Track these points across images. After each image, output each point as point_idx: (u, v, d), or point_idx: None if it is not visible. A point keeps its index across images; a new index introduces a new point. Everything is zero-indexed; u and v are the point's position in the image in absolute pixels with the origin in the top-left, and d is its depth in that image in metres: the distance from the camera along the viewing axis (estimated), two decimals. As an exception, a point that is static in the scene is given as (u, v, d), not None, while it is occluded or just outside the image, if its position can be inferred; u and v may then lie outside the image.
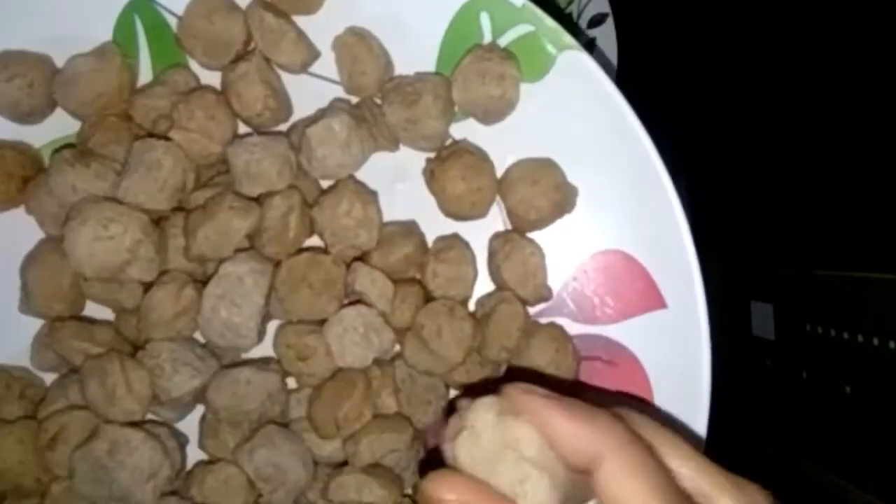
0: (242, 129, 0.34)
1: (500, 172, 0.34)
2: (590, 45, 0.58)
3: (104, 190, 0.31)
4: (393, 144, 0.34)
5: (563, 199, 0.33)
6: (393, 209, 0.34)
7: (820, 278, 0.52)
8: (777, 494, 0.25)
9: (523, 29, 0.33)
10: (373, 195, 0.33)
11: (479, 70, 0.32)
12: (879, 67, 0.49)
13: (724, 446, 0.31)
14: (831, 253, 0.52)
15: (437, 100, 0.32)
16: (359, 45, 0.33)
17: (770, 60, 0.59)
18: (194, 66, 0.34)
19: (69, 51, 0.33)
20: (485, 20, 0.33)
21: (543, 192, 0.32)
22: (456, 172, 0.32)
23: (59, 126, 0.34)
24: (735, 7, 0.60)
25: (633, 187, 0.33)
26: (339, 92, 0.34)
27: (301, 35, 0.33)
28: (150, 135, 0.32)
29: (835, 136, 0.53)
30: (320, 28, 0.34)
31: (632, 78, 0.57)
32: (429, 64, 0.34)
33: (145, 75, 0.34)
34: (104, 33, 0.34)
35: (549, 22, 0.33)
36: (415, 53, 0.34)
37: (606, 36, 0.58)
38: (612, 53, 0.58)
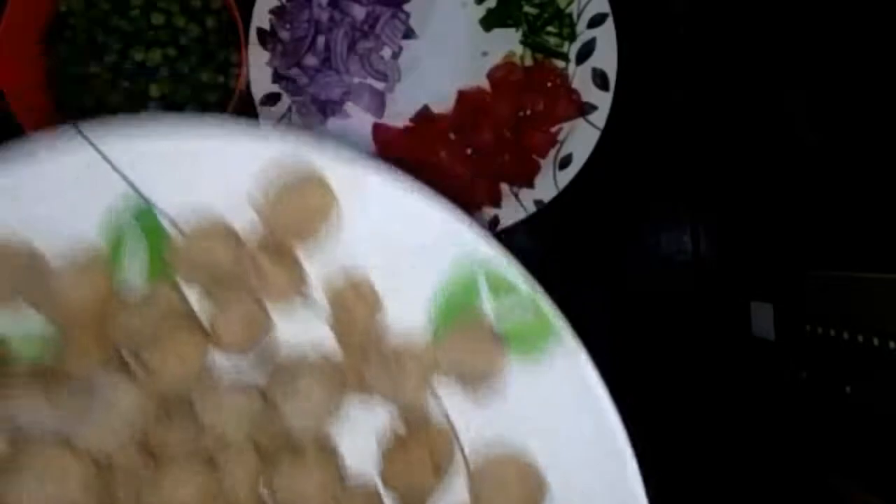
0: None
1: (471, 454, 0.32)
2: (590, 45, 0.58)
3: (58, 421, 0.30)
4: (367, 395, 0.33)
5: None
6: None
7: (820, 278, 0.51)
8: (776, 494, 0.23)
9: (522, 314, 0.31)
10: (335, 454, 0.32)
11: (467, 347, 0.31)
12: (879, 68, 0.49)
13: (723, 447, 0.29)
14: (832, 253, 0.52)
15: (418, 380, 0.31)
16: (350, 291, 0.32)
17: (770, 60, 0.59)
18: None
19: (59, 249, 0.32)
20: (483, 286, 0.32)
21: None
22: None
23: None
24: (735, 8, 0.61)
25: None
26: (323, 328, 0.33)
27: (293, 276, 0.32)
28: (122, 359, 0.31)
29: (835, 136, 0.53)
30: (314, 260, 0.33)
31: (632, 78, 0.58)
32: (421, 315, 0.33)
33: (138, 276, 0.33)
34: (97, 237, 0.33)
35: (547, 308, 0.31)
36: (408, 302, 0.33)
37: (606, 36, 0.58)
38: (612, 53, 0.58)
